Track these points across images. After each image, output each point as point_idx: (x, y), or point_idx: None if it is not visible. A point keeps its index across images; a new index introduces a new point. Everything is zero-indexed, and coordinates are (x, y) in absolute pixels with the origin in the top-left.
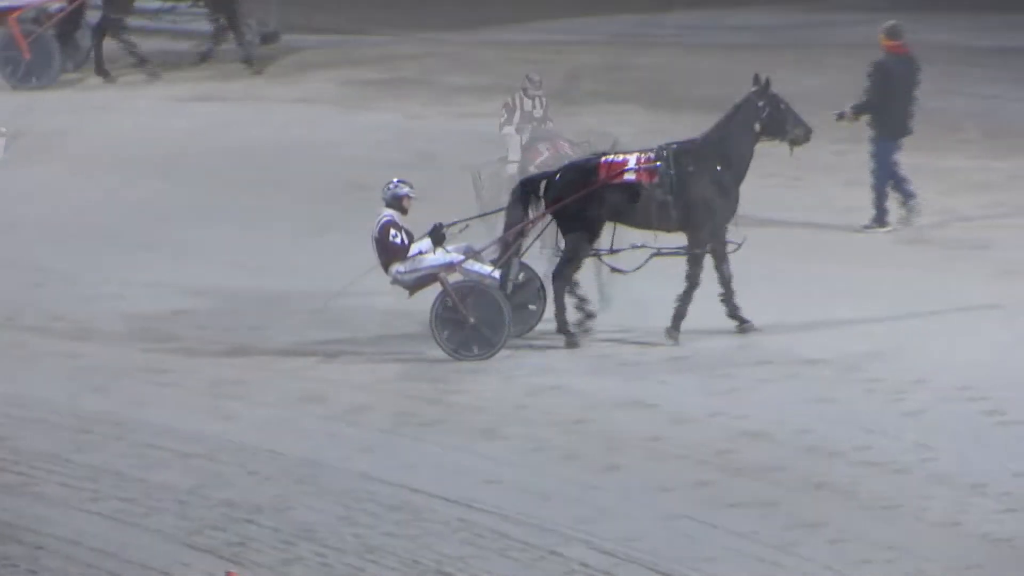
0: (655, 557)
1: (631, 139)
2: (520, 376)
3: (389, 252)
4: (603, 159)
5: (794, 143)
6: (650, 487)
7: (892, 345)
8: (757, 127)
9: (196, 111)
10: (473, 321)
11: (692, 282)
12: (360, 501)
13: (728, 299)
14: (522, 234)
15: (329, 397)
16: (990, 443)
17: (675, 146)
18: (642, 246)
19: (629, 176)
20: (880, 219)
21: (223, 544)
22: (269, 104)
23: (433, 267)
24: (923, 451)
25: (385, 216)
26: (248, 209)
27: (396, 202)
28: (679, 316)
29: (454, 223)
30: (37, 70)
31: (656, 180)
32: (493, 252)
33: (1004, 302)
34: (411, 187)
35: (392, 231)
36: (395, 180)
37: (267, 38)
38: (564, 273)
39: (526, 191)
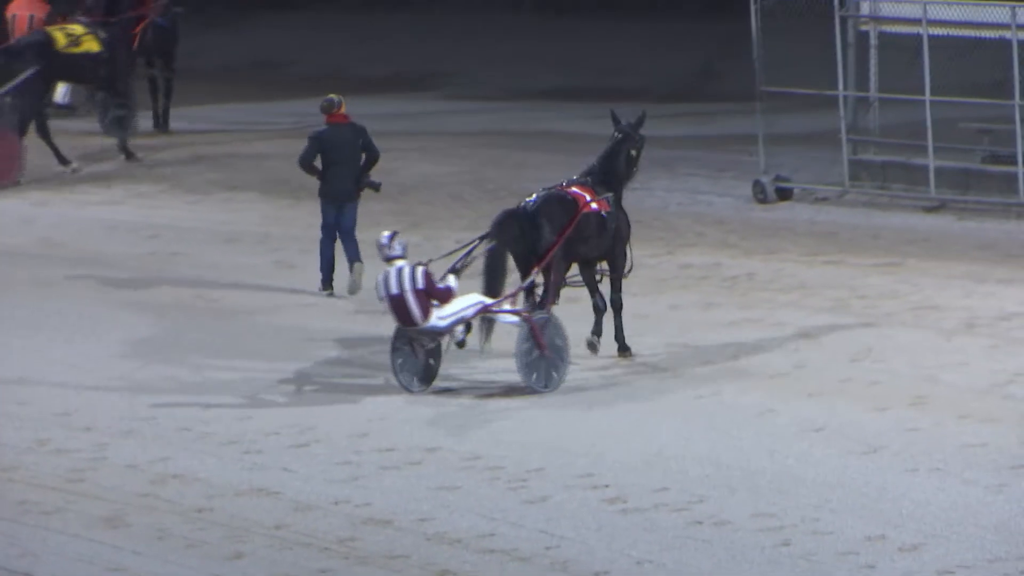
0: None
1: (255, 228)
2: (143, 464)
3: (438, 297)
4: (568, 188)
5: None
6: (274, 575)
7: (510, 432)
8: (633, 153)
9: None
10: (548, 354)
11: (619, 304)
12: None
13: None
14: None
15: None
16: (612, 530)
17: (590, 177)
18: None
19: (594, 205)
20: (325, 282)
21: None
22: None
23: (470, 309)
24: (546, 539)
25: (414, 265)
26: None
27: (405, 251)
28: (621, 337)
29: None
30: None
31: (609, 209)
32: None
33: (615, 385)
34: None
35: (433, 277)
36: (387, 234)
37: None
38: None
39: (507, 231)
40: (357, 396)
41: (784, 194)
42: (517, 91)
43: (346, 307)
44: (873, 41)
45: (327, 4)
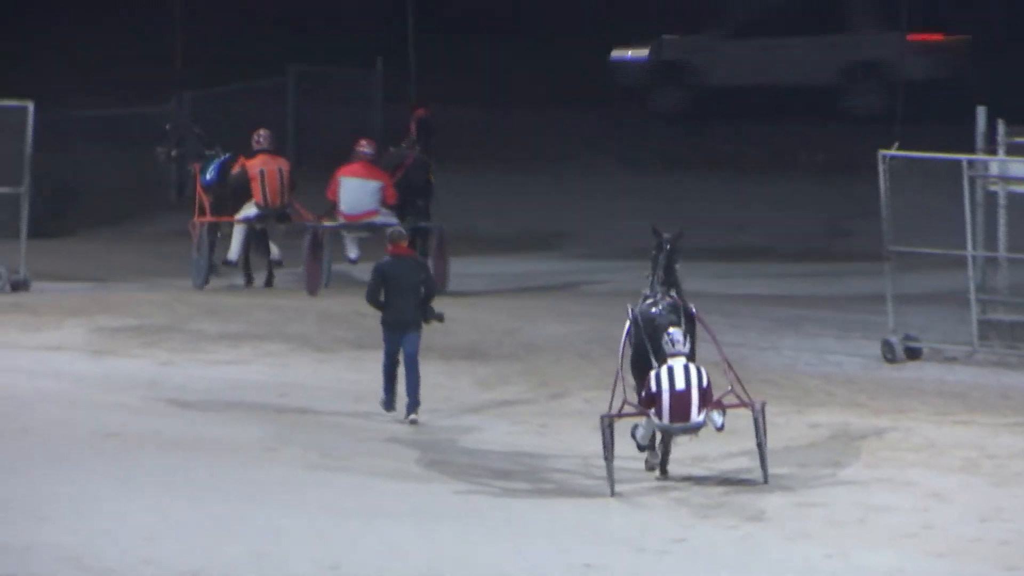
0: None
1: (368, 385)
2: None
3: (709, 397)
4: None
5: None
6: None
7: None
8: (678, 266)
9: None
10: (763, 444)
11: None
12: None
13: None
14: None
15: None
16: None
17: (672, 289)
18: None
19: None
20: (387, 404)
21: None
22: (17, 351)
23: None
24: None
25: (699, 365)
26: None
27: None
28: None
29: None
30: None
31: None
32: None
33: (740, 544)
34: None
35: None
36: (679, 331)
37: (17, 286)
38: None
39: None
40: (470, 558)
41: (913, 354)
42: (642, 250)
43: (472, 469)
44: (1002, 201)
45: (459, 165)
